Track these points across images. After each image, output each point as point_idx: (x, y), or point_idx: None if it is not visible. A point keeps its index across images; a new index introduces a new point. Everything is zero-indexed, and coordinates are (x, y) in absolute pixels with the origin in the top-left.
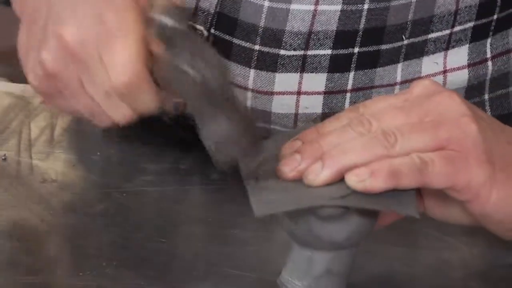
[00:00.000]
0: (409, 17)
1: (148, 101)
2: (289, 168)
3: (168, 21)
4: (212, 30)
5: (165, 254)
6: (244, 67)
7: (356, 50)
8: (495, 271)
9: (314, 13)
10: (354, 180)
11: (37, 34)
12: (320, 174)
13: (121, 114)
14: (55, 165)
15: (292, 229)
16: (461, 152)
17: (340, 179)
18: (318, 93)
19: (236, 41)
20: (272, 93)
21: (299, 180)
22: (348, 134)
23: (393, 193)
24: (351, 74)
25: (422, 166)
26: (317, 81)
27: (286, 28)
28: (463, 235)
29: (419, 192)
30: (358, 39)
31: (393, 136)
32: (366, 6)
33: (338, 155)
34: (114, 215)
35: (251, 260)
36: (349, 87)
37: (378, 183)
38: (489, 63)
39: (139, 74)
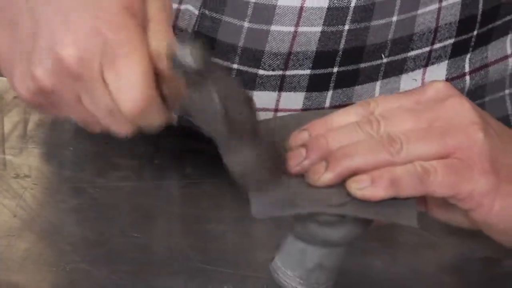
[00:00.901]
0: (389, 36)
1: (156, 120)
2: (294, 162)
3: (191, 60)
4: None
5: (140, 249)
6: None
7: (335, 69)
8: (468, 265)
9: (294, 35)
10: (354, 187)
11: (24, 45)
12: (322, 176)
13: (123, 130)
14: (28, 160)
15: (289, 221)
16: (466, 160)
17: (342, 181)
18: (296, 110)
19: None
20: None
21: (301, 175)
22: (355, 134)
23: (393, 202)
24: (330, 92)
25: (424, 176)
26: (295, 99)
27: (265, 49)
28: (437, 228)
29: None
30: (338, 59)
31: (399, 142)
32: (346, 27)
33: (342, 158)
34: (87, 210)
35: (226, 255)
36: (327, 104)
37: (378, 191)
38: (467, 77)
39: (148, 98)
